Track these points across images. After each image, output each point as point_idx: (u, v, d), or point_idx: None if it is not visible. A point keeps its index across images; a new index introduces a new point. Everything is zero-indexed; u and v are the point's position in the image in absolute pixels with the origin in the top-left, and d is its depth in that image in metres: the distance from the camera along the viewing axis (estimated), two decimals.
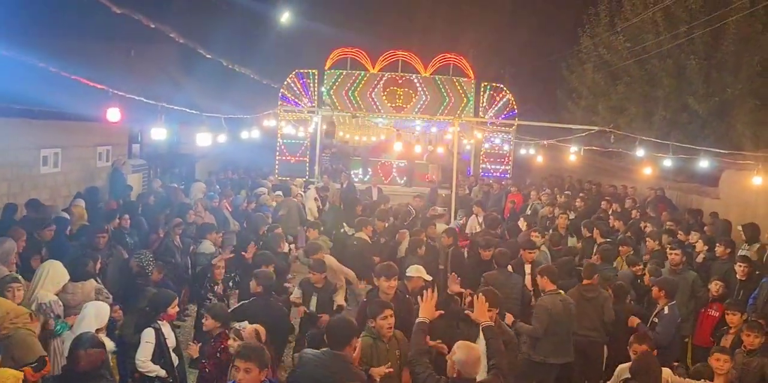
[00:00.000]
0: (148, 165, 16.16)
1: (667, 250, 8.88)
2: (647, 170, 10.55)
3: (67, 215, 9.27)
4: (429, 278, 7.35)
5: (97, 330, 5.60)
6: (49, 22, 14.41)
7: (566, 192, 16.32)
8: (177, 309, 6.47)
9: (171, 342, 6.16)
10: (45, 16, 14.35)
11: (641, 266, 8.77)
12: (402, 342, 5.51)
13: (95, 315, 5.83)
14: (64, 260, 6.67)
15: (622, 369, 5.88)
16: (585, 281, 7.68)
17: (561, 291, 7.22)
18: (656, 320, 7.22)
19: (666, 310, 7.20)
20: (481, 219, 12.04)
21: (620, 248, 9.34)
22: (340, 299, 7.79)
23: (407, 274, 7.10)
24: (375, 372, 5.09)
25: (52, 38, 14.24)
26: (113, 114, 6.67)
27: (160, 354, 5.92)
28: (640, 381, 5.22)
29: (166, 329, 6.17)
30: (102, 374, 4.81)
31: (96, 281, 7.00)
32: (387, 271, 6.36)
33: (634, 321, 7.32)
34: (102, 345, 4.93)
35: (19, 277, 6.05)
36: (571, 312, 7.06)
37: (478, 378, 4.61)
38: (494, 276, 7.94)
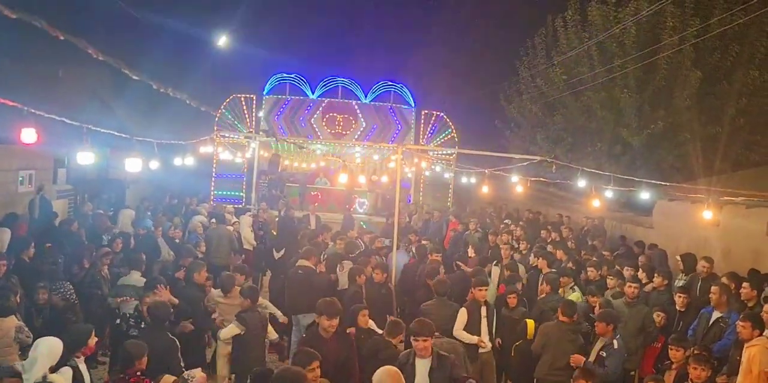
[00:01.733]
0: (75, 191, 15.41)
1: (614, 281, 8.90)
2: (596, 202, 10.60)
3: None
4: None
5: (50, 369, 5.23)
6: None
7: (506, 221, 16.39)
8: (96, 339, 5.92)
9: (88, 381, 5.66)
10: None
11: (597, 298, 8.69)
12: None
13: (48, 354, 5.36)
14: None
15: None
16: (565, 319, 7.53)
17: None
18: (603, 354, 7.08)
19: (615, 344, 7.09)
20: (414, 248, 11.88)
21: (561, 278, 9.29)
22: (224, 333, 7.27)
23: None
24: None
25: None
26: (28, 135, 6.16)
27: None
28: None
29: (83, 366, 5.68)
30: None
31: (16, 317, 6.44)
32: (329, 309, 6.10)
33: (578, 359, 7.13)
34: (18, 375, 4.74)
35: None
36: None
37: None
38: (431, 305, 8.03)
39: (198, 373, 5.49)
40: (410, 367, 5.78)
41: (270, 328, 7.69)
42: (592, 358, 7.12)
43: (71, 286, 8.20)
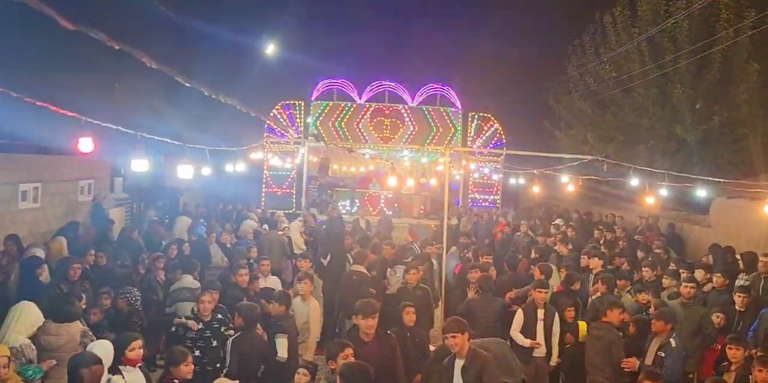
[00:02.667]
0: (132, 199, 15.85)
1: (669, 281, 8.69)
2: (650, 200, 10.33)
3: (39, 254, 8.91)
4: None
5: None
6: (29, 55, 14.25)
7: (557, 221, 16.15)
8: (138, 351, 5.74)
9: None
10: (25, 50, 14.19)
11: (648, 296, 8.48)
12: None
13: (102, 355, 5.41)
14: (38, 300, 6.33)
15: None
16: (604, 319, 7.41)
17: None
18: (662, 354, 6.87)
19: (673, 343, 6.89)
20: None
21: (618, 282, 9.08)
22: (282, 350, 6.88)
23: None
24: None
25: (31, 73, 14.07)
26: (85, 144, 6.36)
27: None
28: None
29: (131, 375, 5.64)
30: None
31: (81, 322, 6.64)
32: (364, 309, 6.11)
33: (633, 362, 6.95)
34: (100, 361, 4.89)
35: None
36: None
37: None
38: (476, 301, 8.17)
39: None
40: (449, 367, 5.75)
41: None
42: (649, 359, 6.92)
43: (138, 292, 8.36)
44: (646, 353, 7.10)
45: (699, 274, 9.12)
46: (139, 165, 8.17)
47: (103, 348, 5.59)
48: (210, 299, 7.27)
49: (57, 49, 13.06)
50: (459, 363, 5.68)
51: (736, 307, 8.12)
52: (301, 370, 5.75)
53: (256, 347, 6.61)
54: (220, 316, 7.31)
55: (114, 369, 5.54)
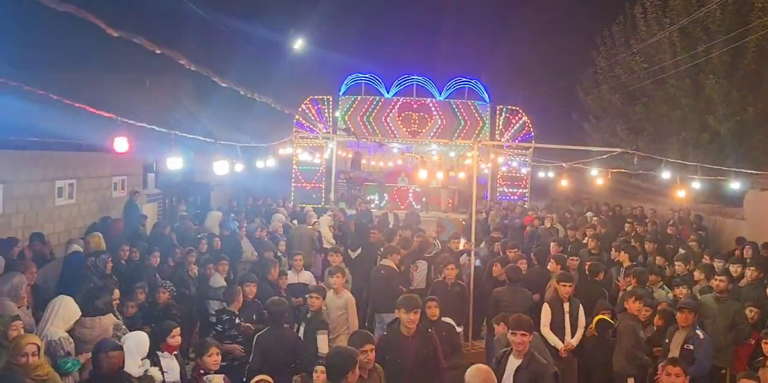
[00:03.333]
0: (164, 194, 16.08)
1: (702, 275, 8.64)
2: (681, 193, 10.19)
3: (80, 249, 9.12)
4: None
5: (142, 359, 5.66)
6: (64, 55, 14.53)
7: (587, 213, 16.01)
8: (178, 339, 6.09)
9: (171, 376, 5.90)
10: (61, 50, 14.47)
11: (686, 290, 8.40)
12: (383, 379, 5.29)
13: (136, 348, 5.69)
14: (76, 295, 6.49)
15: None
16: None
17: None
18: (690, 346, 6.75)
19: (700, 334, 6.77)
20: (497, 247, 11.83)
21: (651, 277, 9.00)
22: (323, 346, 6.92)
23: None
24: None
25: (67, 72, 14.33)
26: (121, 144, 6.52)
27: None
28: None
29: (167, 362, 5.90)
30: (124, 377, 4.99)
31: (115, 316, 6.80)
32: (407, 303, 6.13)
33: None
34: (120, 348, 5.11)
35: (19, 314, 5.91)
36: None
37: None
38: (503, 292, 8.22)
39: (214, 377, 5.76)
40: (503, 364, 5.72)
41: None
42: (676, 353, 6.82)
43: (172, 286, 8.49)
44: (668, 348, 7.00)
45: (732, 268, 8.99)
46: (174, 163, 8.31)
47: (137, 340, 5.77)
48: (247, 292, 7.46)
49: (93, 49, 13.30)
50: (514, 362, 5.65)
51: None
52: (318, 368, 5.76)
53: (282, 342, 6.59)
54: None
55: (153, 356, 5.76)
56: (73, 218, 11.67)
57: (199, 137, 8.75)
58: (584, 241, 12.14)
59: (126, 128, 6.51)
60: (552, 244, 10.97)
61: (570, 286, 7.91)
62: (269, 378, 5.57)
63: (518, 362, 5.62)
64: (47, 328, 6.01)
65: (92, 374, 5.09)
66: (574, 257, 9.92)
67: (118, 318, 6.83)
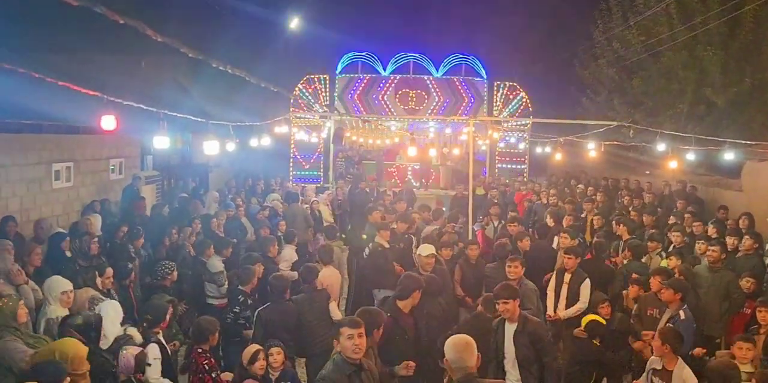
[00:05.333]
0: (161, 176, 16.10)
1: (701, 245, 8.70)
2: (673, 164, 10.19)
3: (62, 230, 9.14)
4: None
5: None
6: (58, 37, 14.42)
7: (590, 188, 16.04)
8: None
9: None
10: (54, 32, 14.35)
11: (679, 261, 8.41)
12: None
13: (114, 312, 5.83)
14: (64, 273, 6.60)
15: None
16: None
17: None
18: (672, 326, 6.61)
19: (682, 315, 6.70)
20: (497, 223, 11.86)
21: (649, 243, 9.06)
22: (336, 313, 7.13)
23: (418, 253, 7.60)
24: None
25: (59, 53, 14.27)
26: (108, 122, 6.49)
27: (167, 368, 5.76)
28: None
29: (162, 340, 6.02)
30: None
31: (95, 289, 6.82)
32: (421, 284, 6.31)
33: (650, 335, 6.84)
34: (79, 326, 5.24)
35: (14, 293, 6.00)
36: None
37: None
38: (493, 268, 8.29)
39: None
40: (500, 332, 5.84)
41: None
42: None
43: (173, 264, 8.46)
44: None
45: (729, 240, 9.04)
46: (161, 142, 8.29)
47: (114, 305, 5.97)
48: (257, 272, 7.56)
49: (86, 31, 13.21)
50: (510, 328, 5.77)
51: None
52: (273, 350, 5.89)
53: (284, 317, 6.71)
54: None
55: (152, 336, 5.82)
56: (71, 201, 11.69)
57: (189, 116, 8.70)
58: (582, 215, 12.20)
59: (114, 106, 6.48)
60: (547, 218, 11.01)
61: (570, 258, 7.96)
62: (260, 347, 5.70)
63: (514, 326, 5.75)
64: (46, 307, 6.09)
65: None
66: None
67: (112, 298, 6.85)
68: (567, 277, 7.96)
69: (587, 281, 7.84)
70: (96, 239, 8.30)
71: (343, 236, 13.65)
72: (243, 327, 7.07)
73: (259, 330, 6.58)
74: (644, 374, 5.86)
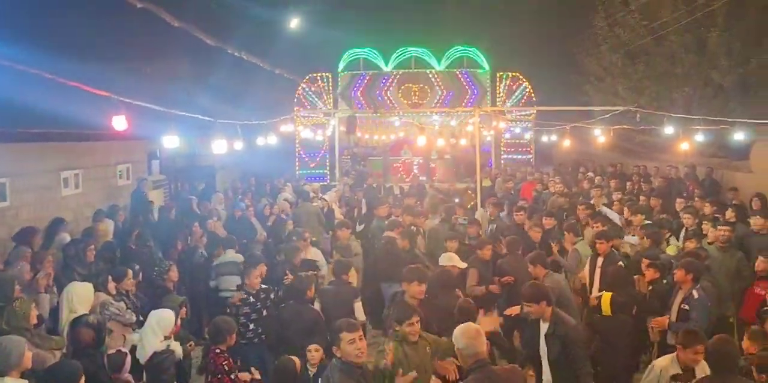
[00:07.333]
0: (168, 180, 16.16)
1: (709, 226, 8.63)
2: (684, 146, 10.14)
3: (68, 237, 9.17)
4: (463, 265, 7.45)
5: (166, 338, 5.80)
6: (67, 46, 14.45)
7: (597, 176, 15.96)
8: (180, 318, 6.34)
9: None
10: (65, 41, 14.38)
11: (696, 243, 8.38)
12: (431, 341, 5.29)
13: (156, 323, 5.85)
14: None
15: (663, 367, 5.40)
16: None
17: None
18: (686, 306, 6.64)
19: (695, 294, 6.62)
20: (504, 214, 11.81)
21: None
22: (360, 314, 7.11)
23: (440, 263, 7.27)
24: (401, 381, 4.83)
25: (70, 63, 14.29)
26: (119, 122, 6.49)
27: (180, 370, 5.82)
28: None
29: (174, 343, 6.05)
30: (97, 354, 5.16)
31: (124, 301, 6.84)
32: (419, 274, 6.19)
33: (662, 321, 6.79)
34: (92, 326, 5.22)
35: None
36: None
37: None
38: (505, 263, 8.21)
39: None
40: (535, 328, 5.70)
41: None
42: (674, 315, 6.75)
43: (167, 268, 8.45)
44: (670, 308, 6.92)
45: (729, 214, 9.13)
46: (171, 142, 8.30)
47: (158, 317, 5.97)
48: (258, 273, 7.38)
49: (94, 37, 13.25)
50: (543, 327, 5.63)
51: None
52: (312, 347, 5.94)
53: (300, 318, 6.60)
54: (264, 286, 7.39)
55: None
56: (81, 207, 11.73)
57: (197, 116, 8.68)
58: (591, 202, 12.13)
59: (125, 107, 6.50)
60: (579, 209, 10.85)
61: (602, 244, 8.00)
62: None
63: (546, 327, 5.60)
64: (65, 315, 6.14)
65: (73, 346, 5.29)
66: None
67: (126, 302, 6.87)
68: (599, 261, 7.99)
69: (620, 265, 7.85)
70: (92, 246, 8.27)
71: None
72: (246, 326, 7.03)
73: (274, 324, 6.65)
74: None
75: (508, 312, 7.02)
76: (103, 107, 6.52)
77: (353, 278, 7.76)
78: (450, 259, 7.46)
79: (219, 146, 9.63)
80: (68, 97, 7.10)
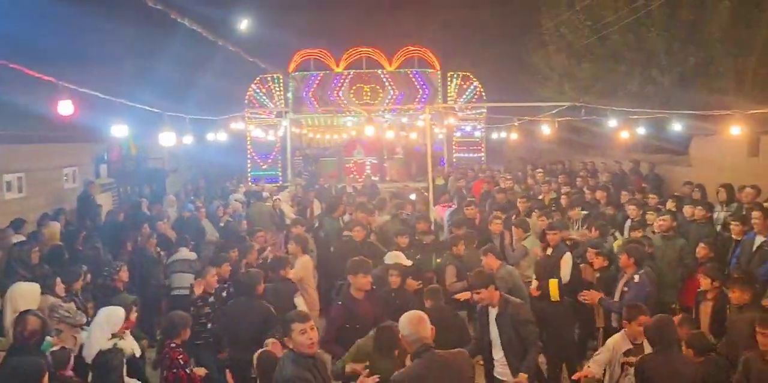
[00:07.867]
0: (117, 183, 15.88)
1: (654, 216, 8.96)
2: (624, 134, 10.51)
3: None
4: (408, 262, 7.44)
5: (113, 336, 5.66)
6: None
7: (540, 173, 16.30)
8: (135, 314, 6.27)
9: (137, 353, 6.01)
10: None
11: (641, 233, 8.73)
12: None
13: (105, 319, 5.74)
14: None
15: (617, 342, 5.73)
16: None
17: None
18: (626, 289, 6.98)
19: (636, 278, 6.95)
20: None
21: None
22: (301, 301, 7.19)
23: (385, 262, 7.27)
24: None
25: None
26: (65, 107, 6.27)
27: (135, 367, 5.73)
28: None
29: (129, 339, 5.93)
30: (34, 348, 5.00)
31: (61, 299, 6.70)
32: (364, 266, 6.26)
33: (591, 295, 7.11)
34: (37, 314, 5.15)
35: None
36: None
37: None
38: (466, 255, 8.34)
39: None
40: (484, 316, 5.91)
41: None
42: (617, 296, 7.07)
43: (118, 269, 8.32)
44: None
45: (669, 204, 9.59)
46: (120, 131, 8.14)
47: (108, 313, 5.87)
48: (215, 272, 7.38)
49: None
50: (493, 312, 5.83)
51: (733, 236, 8.27)
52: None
53: (250, 314, 6.54)
54: (218, 285, 7.40)
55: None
56: (24, 212, 11.42)
57: (145, 106, 8.47)
58: (540, 197, 12.40)
59: (69, 93, 6.32)
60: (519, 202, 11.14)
61: (555, 234, 8.25)
62: None
63: (496, 310, 5.81)
64: (7, 314, 6.01)
65: (17, 340, 5.08)
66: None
67: (77, 302, 6.75)
68: (549, 251, 8.21)
69: (567, 255, 8.04)
70: (37, 248, 8.08)
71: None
72: (204, 326, 7.00)
73: (221, 321, 6.66)
74: (615, 364, 5.67)
75: (459, 296, 7.16)
76: (49, 94, 6.31)
77: (292, 274, 7.69)
78: (396, 257, 7.42)
79: (167, 139, 9.38)
80: (7, 86, 6.89)
